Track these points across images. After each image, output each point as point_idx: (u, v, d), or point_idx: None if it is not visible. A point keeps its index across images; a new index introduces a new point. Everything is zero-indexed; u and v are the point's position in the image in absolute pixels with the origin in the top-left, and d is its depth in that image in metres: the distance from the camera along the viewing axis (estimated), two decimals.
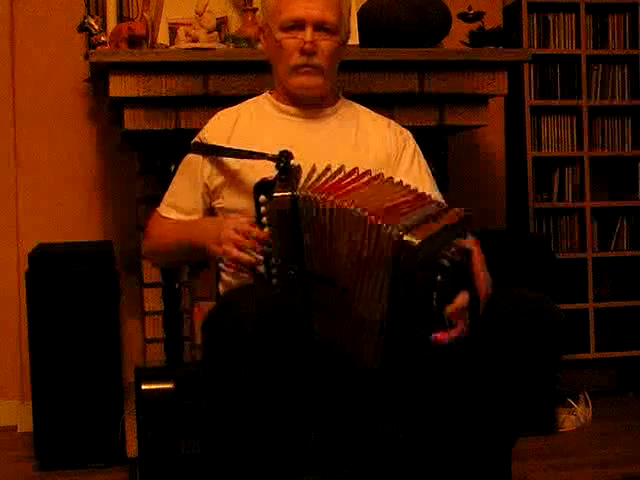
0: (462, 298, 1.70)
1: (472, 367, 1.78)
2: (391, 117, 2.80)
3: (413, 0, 2.89)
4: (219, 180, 2.02)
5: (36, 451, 2.93)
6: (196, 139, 2.09)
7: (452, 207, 1.82)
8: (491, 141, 3.68)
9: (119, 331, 2.99)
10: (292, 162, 1.84)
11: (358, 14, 2.91)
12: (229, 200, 2.01)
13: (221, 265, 1.91)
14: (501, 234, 3.46)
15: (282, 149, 1.86)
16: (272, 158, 1.86)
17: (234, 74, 2.71)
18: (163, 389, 2.04)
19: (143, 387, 2.05)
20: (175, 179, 2.12)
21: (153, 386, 2.06)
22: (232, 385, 1.66)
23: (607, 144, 3.74)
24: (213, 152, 2.02)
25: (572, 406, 3.29)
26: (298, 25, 1.99)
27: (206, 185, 2.04)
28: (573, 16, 3.66)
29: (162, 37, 2.87)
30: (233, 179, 2.00)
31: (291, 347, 1.66)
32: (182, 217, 2.06)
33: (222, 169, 2.01)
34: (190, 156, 2.07)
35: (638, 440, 3.11)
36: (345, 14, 2.06)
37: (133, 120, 2.76)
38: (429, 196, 1.83)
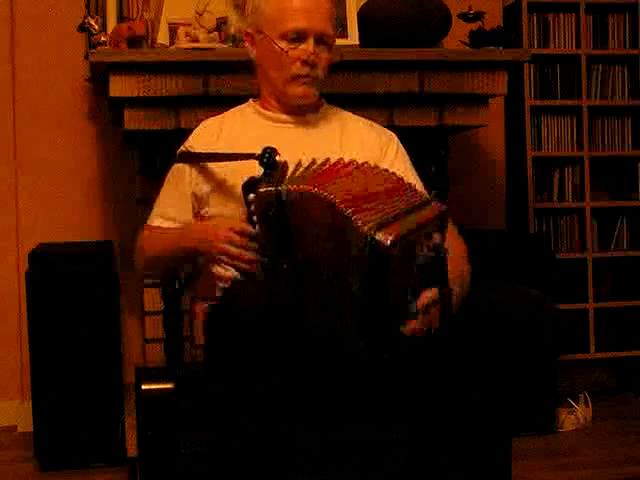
0: (429, 295, 1.70)
1: (468, 364, 1.78)
2: (391, 117, 2.83)
3: (413, 0, 2.89)
4: (206, 188, 2.04)
5: (36, 451, 2.93)
6: (182, 148, 2.11)
7: (431, 201, 1.80)
8: (491, 141, 3.67)
9: (119, 331, 2.99)
10: (278, 158, 1.85)
11: (358, 14, 2.91)
12: (216, 208, 2.03)
13: (218, 269, 1.91)
14: (501, 234, 3.46)
15: (265, 146, 1.87)
16: (256, 156, 1.87)
17: (234, 74, 2.71)
18: (163, 389, 2.03)
19: (143, 387, 2.05)
20: (162, 189, 2.13)
21: (153, 386, 2.05)
22: (234, 381, 1.67)
23: (607, 144, 3.74)
24: (198, 160, 2.04)
25: (572, 406, 3.29)
26: (300, 36, 2.03)
27: (194, 193, 2.06)
28: (573, 16, 3.66)
29: (162, 37, 2.87)
30: (220, 187, 2.02)
31: (289, 342, 1.66)
32: (171, 225, 2.08)
33: (208, 177, 2.04)
34: (177, 165, 2.09)
35: (638, 440, 3.11)
36: (336, 29, 2.13)
37: (133, 120, 2.76)
38: (410, 184, 1.83)
